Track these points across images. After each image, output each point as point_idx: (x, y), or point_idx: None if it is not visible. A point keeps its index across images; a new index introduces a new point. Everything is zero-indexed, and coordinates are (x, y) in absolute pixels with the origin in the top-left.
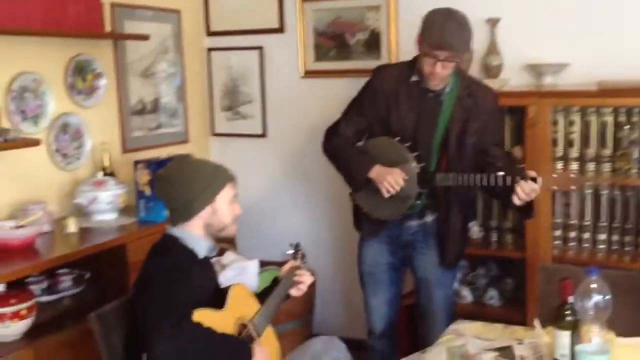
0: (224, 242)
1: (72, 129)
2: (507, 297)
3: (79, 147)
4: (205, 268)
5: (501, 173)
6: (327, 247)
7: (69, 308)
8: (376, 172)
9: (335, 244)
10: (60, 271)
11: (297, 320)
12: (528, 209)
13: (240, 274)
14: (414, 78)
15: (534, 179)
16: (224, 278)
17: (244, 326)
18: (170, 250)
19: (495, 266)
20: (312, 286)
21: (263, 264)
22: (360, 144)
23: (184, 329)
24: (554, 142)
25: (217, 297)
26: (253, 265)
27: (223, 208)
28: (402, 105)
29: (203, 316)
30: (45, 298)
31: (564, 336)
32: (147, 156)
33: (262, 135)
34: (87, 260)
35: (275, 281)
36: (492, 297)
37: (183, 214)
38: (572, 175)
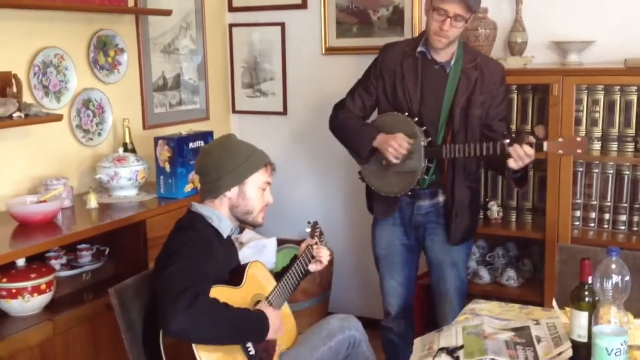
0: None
1: (93, 104)
2: (525, 278)
3: (101, 122)
4: (228, 247)
5: (507, 140)
6: (345, 225)
7: (88, 283)
8: (380, 140)
9: (353, 223)
10: (80, 246)
11: (314, 298)
12: (522, 178)
13: (258, 252)
14: (420, 48)
15: (530, 144)
16: (242, 256)
17: (259, 303)
18: (196, 226)
19: (514, 246)
20: (329, 265)
21: (281, 242)
22: (368, 121)
23: (200, 304)
24: (578, 121)
25: (235, 275)
26: (271, 244)
27: (252, 192)
28: (408, 79)
29: (220, 293)
30: (64, 273)
31: (582, 317)
32: (168, 133)
33: (283, 113)
34: (106, 235)
35: (294, 259)
36: (510, 277)
37: (212, 189)
38: (578, 139)
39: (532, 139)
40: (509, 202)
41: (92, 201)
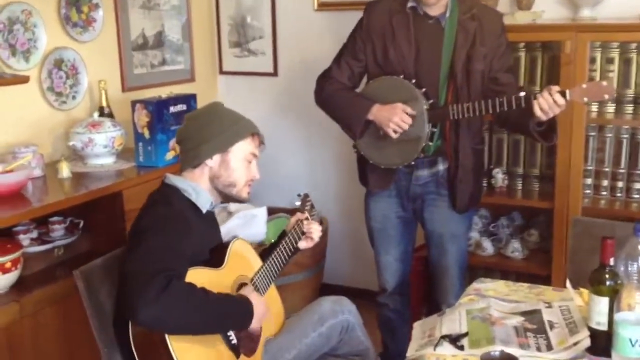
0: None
1: (66, 65)
2: (530, 250)
3: (75, 85)
4: (208, 223)
5: (522, 93)
6: (339, 193)
7: (61, 259)
8: (376, 112)
9: (348, 191)
10: (52, 219)
11: (307, 270)
12: (549, 132)
13: (247, 223)
14: (411, 3)
15: (561, 92)
16: (230, 226)
17: (244, 286)
18: (171, 201)
19: (520, 216)
20: (323, 235)
21: (272, 212)
22: (358, 90)
23: (172, 290)
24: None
25: (216, 254)
26: (261, 213)
27: (236, 162)
28: (400, 38)
29: (198, 275)
30: (34, 248)
31: (602, 302)
32: (150, 95)
33: (273, 74)
34: (80, 207)
35: (282, 236)
36: (515, 249)
37: (192, 156)
38: (604, 83)
39: (557, 88)
40: (515, 169)
41: (64, 170)
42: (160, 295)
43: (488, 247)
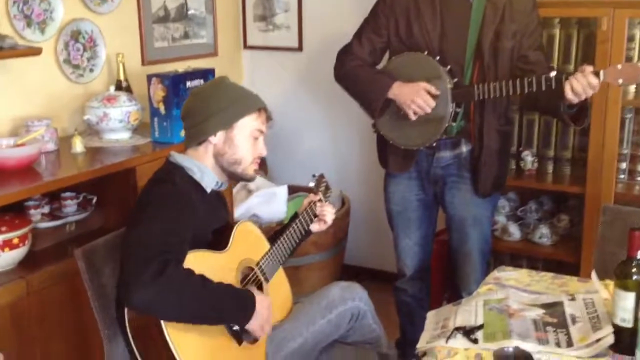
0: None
1: (84, 37)
2: (559, 236)
3: (92, 57)
4: (214, 204)
5: (553, 73)
6: (362, 172)
7: (73, 235)
8: (397, 90)
9: (371, 170)
10: (65, 195)
11: (328, 251)
12: (581, 115)
13: (267, 201)
14: None
15: (595, 73)
16: (250, 205)
17: (250, 270)
18: (173, 180)
19: (549, 200)
20: (345, 216)
21: (293, 190)
22: (379, 67)
23: (168, 275)
24: (629, 61)
25: (220, 236)
26: (281, 192)
27: (241, 139)
28: (425, 13)
29: (199, 259)
30: (45, 224)
31: (628, 298)
32: (171, 70)
33: (298, 49)
34: (94, 183)
35: (293, 218)
36: (543, 235)
37: (196, 133)
38: None
39: (590, 68)
40: (546, 152)
41: (78, 145)
42: (154, 279)
43: (515, 232)
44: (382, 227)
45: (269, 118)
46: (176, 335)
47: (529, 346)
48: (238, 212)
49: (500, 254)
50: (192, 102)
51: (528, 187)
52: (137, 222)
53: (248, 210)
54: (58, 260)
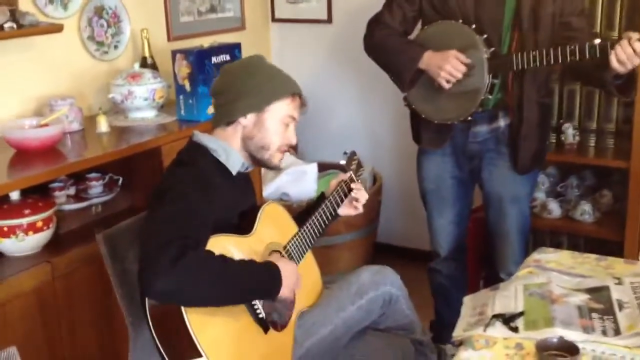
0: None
1: (107, 13)
2: (602, 213)
3: (117, 34)
4: (239, 187)
5: (597, 40)
6: (395, 148)
7: (99, 217)
8: (427, 60)
9: (404, 146)
10: (90, 175)
11: (360, 230)
12: (628, 85)
13: (297, 179)
14: None
15: None
16: (280, 183)
17: (277, 254)
18: (196, 161)
19: (591, 175)
20: (377, 193)
21: (323, 167)
22: (410, 36)
23: (188, 260)
24: None
25: (246, 220)
26: (311, 170)
27: (272, 124)
28: None
29: (223, 243)
30: (70, 206)
31: None
32: (198, 44)
33: (327, 21)
34: (120, 163)
35: (321, 199)
36: (585, 212)
37: (226, 112)
38: None
39: (637, 34)
40: (588, 124)
41: (102, 124)
42: (173, 266)
43: (554, 209)
44: (415, 205)
45: (302, 105)
46: (198, 323)
47: (573, 335)
48: (267, 191)
49: (540, 232)
50: (224, 79)
51: (569, 162)
52: (156, 207)
53: (277, 189)
54: (84, 243)
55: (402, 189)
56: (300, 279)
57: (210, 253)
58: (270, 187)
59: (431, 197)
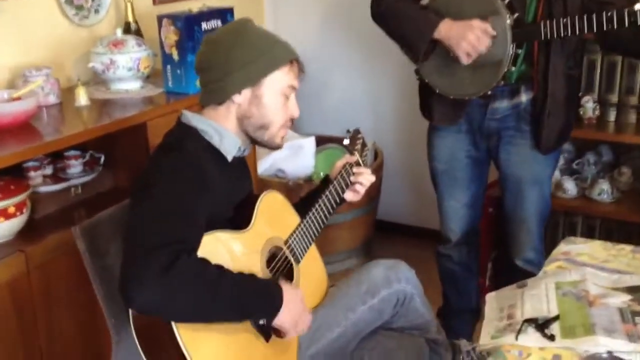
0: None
1: None
2: (622, 192)
3: None
4: (237, 172)
5: (638, 6)
6: (398, 121)
7: (79, 199)
8: (444, 30)
9: (408, 119)
10: (69, 154)
11: (358, 209)
12: None
13: (293, 154)
14: None
15: None
16: (276, 159)
17: (277, 250)
18: (185, 146)
19: (609, 151)
20: (377, 170)
21: (321, 141)
22: (424, 2)
23: (176, 270)
24: None
25: (243, 212)
26: (308, 144)
27: (271, 98)
28: None
29: (217, 242)
30: (47, 188)
31: None
32: (186, 9)
33: None
34: (102, 140)
35: (325, 183)
36: (603, 191)
37: (215, 90)
38: None
39: None
40: (608, 97)
41: (81, 97)
42: (161, 276)
43: (570, 187)
44: (418, 181)
45: (301, 71)
46: (190, 335)
47: (617, 344)
48: (262, 167)
49: (553, 213)
50: (209, 51)
51: (585, 138)
52: (141, 201)
53: (272, 165)
54: (62, 229)
55: (405, 164)
56: (305, 311)
57: (205, 262)
58: (265, 163)
59: (443, 178)
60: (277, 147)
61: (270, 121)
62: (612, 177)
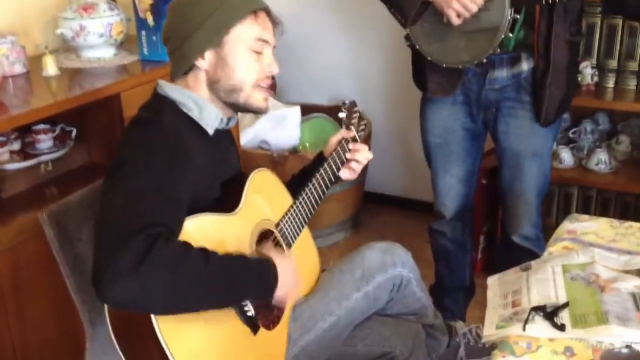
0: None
1: None
2: (620, 161)
3: None
4: (221, 147)
5: None
6: (387, 89)
7: (50, 177)
8: None
9: (395, 85)
10: (37, 127)
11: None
12: None
13: (278, 125)
14: None
15: None
16: (259, 130)
17: (268, 234)
18: (160, 120)
19: (606, 119)
20: (365, 140)
21: (306, 110)
22: None
23: (154, 257)
24: None
25: (230, 192)
26: (293, 114)
27: (237, 56)
28: None
29: (201, 226)
30: (15, 165)
31: None
32: None
33: None
34: (72, 112)
35: (319, 160)
36: (601, 161)
37: (179, 58)
38: None
39: None
40: (607, 63)
41: (50, 66)
42: (137, 266)
43: (566, 157)
44: (407, 151)
45: (274, 22)
46: (171, 330)
47: (631, 334)
48: (245, 138)
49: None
50: (170, 19)
51: (585, 106)
52: (111, 182)
53: (256, 136)
54: (32, 209)
55: (394, 134)
56: (299, 277)
57: (187, 246)
58: (248, 134)
59: (437, 152)
60: (259, 110)
61: (240, 82)
62: (609, 146)
